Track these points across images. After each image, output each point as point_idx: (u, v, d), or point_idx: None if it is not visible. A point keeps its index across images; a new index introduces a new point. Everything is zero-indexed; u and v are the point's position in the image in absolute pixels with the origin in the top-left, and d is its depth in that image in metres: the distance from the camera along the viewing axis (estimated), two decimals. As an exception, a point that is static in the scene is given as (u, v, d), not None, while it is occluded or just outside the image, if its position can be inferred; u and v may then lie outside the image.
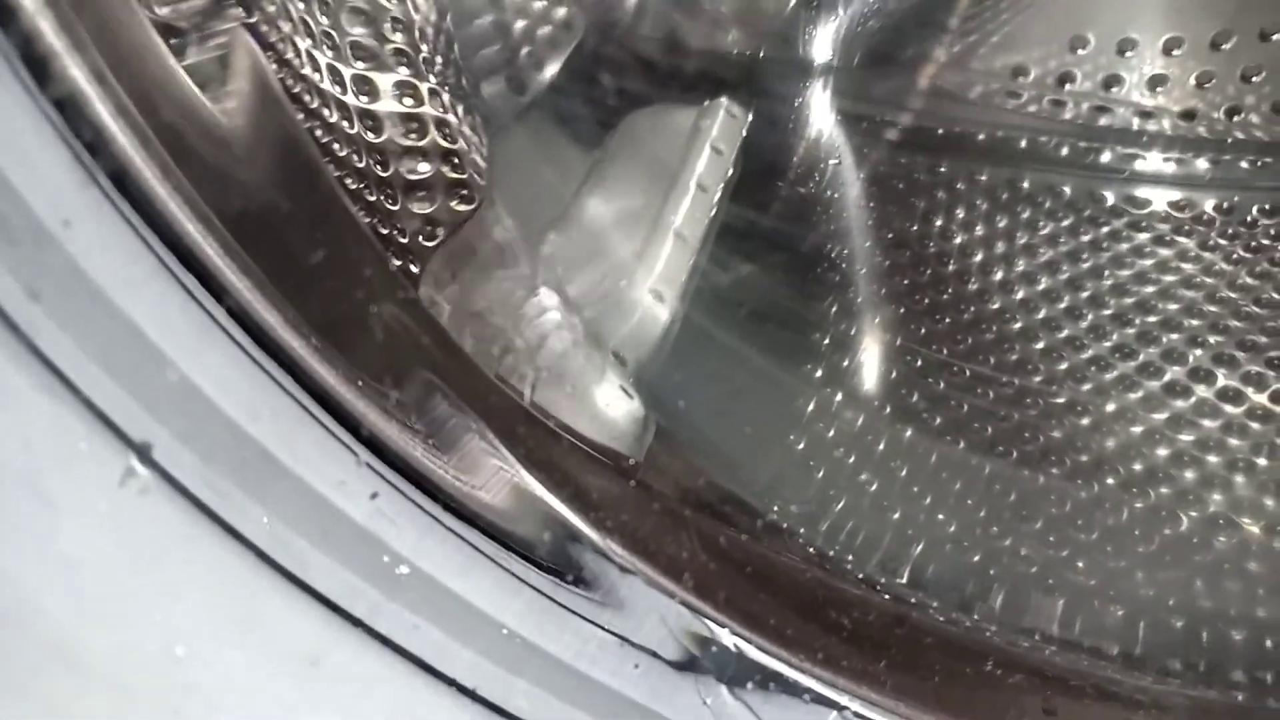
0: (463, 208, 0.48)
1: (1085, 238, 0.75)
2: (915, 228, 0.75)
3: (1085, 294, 0.71)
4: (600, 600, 0.33)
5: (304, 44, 0.46)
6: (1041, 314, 0.70)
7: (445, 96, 0.49)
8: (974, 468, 0.60)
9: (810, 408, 0.65)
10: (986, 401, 0.64)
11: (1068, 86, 0.79)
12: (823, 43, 0.81)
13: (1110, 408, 0.62)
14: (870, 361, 0.67)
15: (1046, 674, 0.39)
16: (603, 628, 0.32)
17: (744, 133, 0.76)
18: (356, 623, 0.28)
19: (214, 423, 0.27)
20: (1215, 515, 0.56)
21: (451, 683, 0.29)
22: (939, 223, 0.76)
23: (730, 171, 0.73)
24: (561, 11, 0.73)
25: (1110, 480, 0.57)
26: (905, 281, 0.71)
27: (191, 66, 0.39)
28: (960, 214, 0.76)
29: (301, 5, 0.45)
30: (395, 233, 0.48)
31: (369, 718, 0.29)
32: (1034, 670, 0.39)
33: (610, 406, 0.46)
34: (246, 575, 0.27)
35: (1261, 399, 0.64)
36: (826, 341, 0.67)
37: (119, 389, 0.25)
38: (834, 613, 0.39)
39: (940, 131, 0.80)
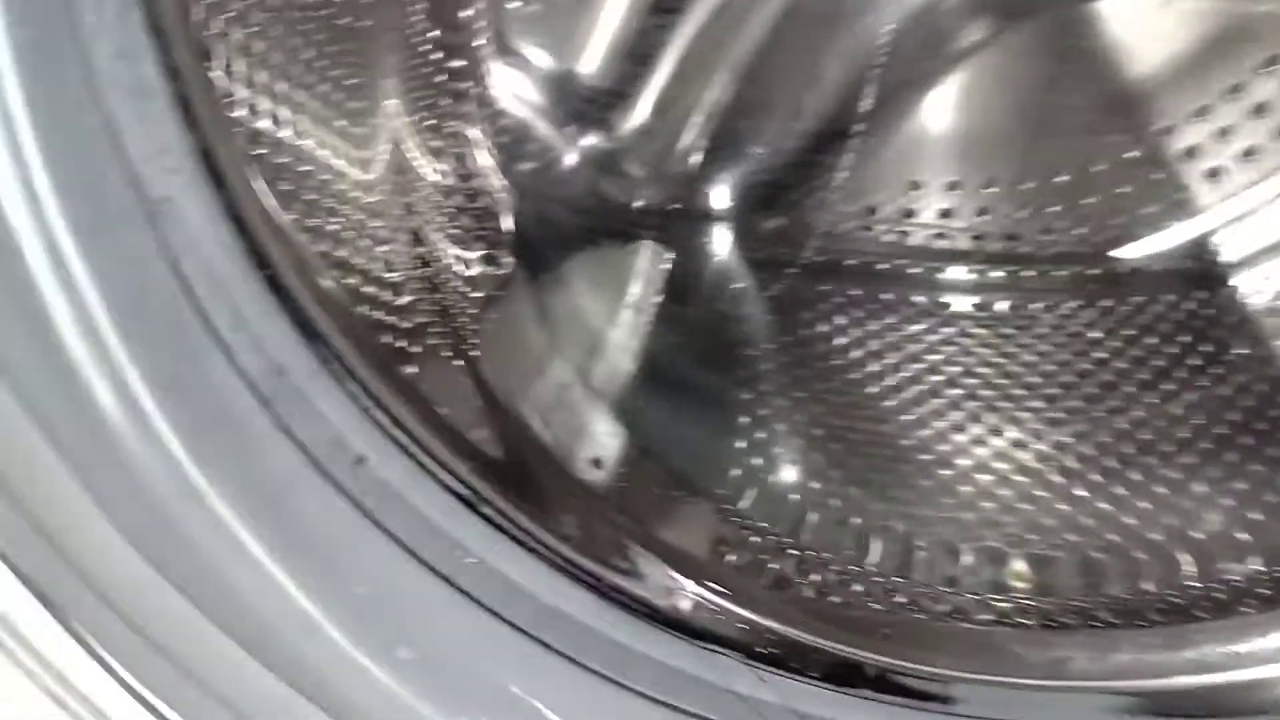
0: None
1: (933, 337, 0.96)
2: (807, 333, 0.95)
3: (938, 377, 0.92)
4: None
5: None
6: (907, 394, 0.91)
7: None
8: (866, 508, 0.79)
9: (737, 474, 0.83)
10: (873, 462, 0.84)
11: (910, 220, 1.02)
12: (721, 194, 1.02)
13: (944, 447, 0.83)
14: (782, 431, 0.86)
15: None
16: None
17: (666, 266, 0.95)
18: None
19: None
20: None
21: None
22: (823, 328, 0.96)
23: (659, 297, 0.92)
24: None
25: (949, 500, 0.77)
26: (805, 373, 0.91)
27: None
28: (839, 320, 0.97)
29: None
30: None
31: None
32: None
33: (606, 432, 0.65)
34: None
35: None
36: (745, 420, 0.86)
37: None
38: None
39: (818, 259, 1.02)
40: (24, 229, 0.33)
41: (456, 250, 0.76)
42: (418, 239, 0.69)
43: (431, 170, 0.80)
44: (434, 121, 0.85)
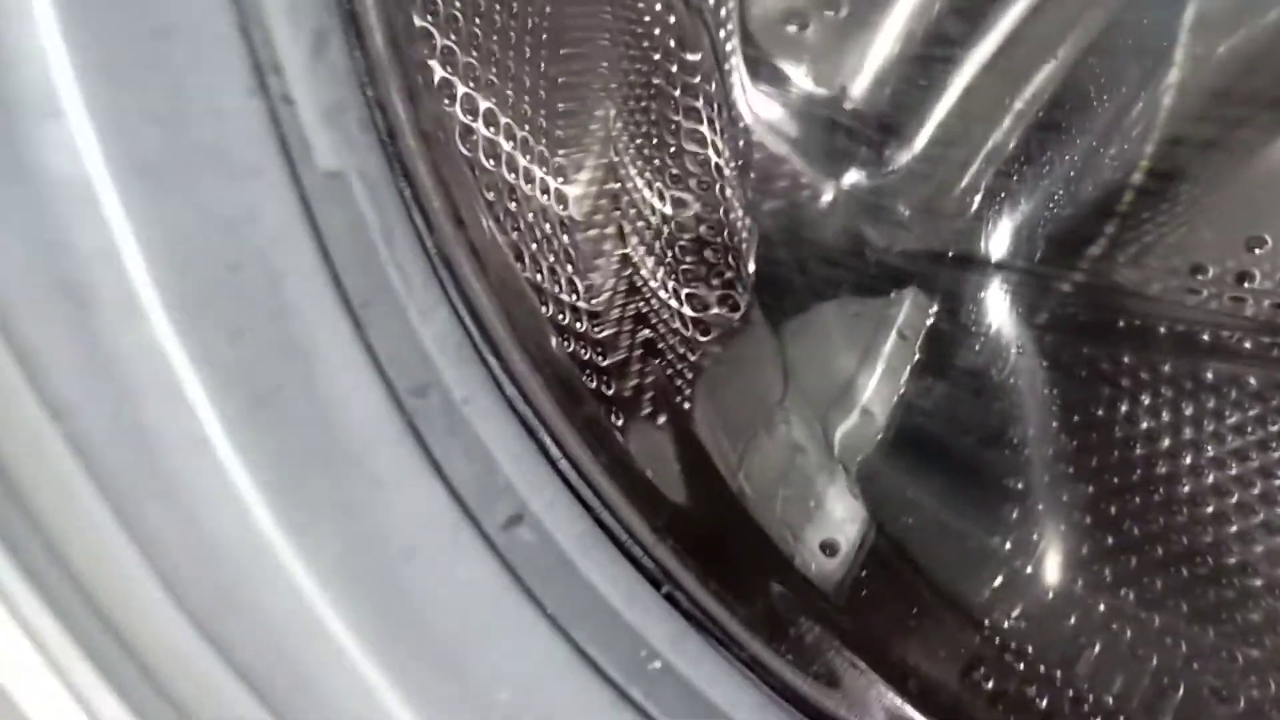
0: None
1: (1274, 427, 0.76)
2: (1101, 412, 0.78)
3: (1278, 481, 0.72)
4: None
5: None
6: (1234, 499, 0.71)
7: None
8: (1167, 643, 0.61)
9: (998, 581, 0.67)
10: (1180, 580, 0.65)
11: (1246, 284, 0.82)
12: (1002, 240, 0.87)
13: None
14: (1060, 533, 0.69)
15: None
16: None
17: (929, 321, 0.82)
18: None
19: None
20: None
21: None
22: (1124, 408, 0.79)
23: (916, 356, 0.79)
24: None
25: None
26: (1094, 461, 0.74)
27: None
28: (1145, 400, 0.79)
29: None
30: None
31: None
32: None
33: (843, 512, 0.52)
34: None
35: None
36: (1013, 514, 0.70)
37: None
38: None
39: (1120, 324, 0.84)
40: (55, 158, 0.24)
41: (681, 287, 0.67)
42: (628, 267, 0.60)
43: (657, 197, 0.71)
44: (665, 141, 0.76)
